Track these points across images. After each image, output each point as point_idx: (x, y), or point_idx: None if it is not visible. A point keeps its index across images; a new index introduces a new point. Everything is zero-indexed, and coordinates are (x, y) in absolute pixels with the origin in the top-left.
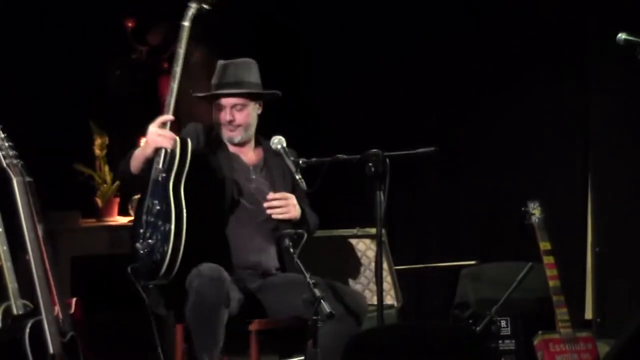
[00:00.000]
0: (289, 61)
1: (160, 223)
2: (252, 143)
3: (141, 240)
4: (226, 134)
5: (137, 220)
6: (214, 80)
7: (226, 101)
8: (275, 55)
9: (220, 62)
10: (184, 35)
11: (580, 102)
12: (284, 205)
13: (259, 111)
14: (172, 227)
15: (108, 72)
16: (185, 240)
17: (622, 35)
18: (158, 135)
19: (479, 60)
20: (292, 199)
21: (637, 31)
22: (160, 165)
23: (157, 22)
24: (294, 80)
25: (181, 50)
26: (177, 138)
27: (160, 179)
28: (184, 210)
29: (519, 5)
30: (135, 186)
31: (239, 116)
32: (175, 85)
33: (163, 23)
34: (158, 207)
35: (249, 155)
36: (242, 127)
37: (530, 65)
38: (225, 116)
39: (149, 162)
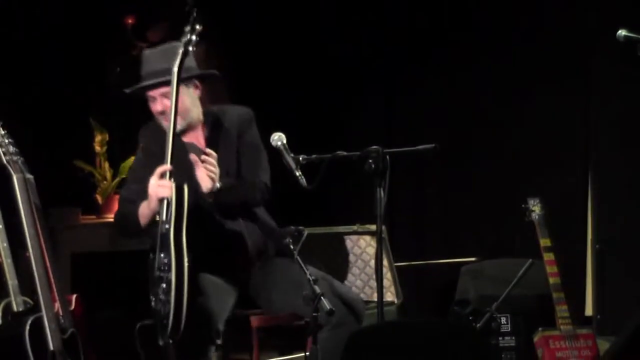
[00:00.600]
0: (288, 59)
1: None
2: (201, 125)
3: (155, 298)
4: (164, 124)
5: (151, 279)
6: (140, 72)
7: (154, 92)
8: (275, 54)
9: (145, 52)
10: (174, 82)
11: (580, 99)
12: (211, 165)
13: (197, 93)
14: (173, 278)
15: (108, 69)
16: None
17: (622, 32)
18: (158, 187)
19: (480, 58)
20: (218, 168)
21: (637, 28)
22: (164, 217)
23: (157, 19)
24: (294, 78)
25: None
26: (172, 185)
27: (164, 231)
28: (185, 260)
29: (520, 4)
30: (137, 235)
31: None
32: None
33: (163, 20)
34: (165, 261)
35: (201, 139)
36: (179, 114)
37: (530, 63)
38: (156, 107)
39: (155, 214)
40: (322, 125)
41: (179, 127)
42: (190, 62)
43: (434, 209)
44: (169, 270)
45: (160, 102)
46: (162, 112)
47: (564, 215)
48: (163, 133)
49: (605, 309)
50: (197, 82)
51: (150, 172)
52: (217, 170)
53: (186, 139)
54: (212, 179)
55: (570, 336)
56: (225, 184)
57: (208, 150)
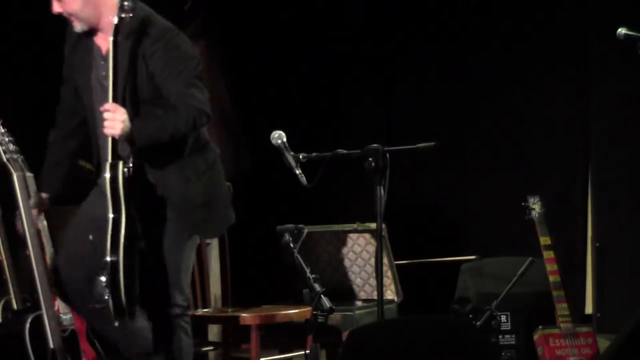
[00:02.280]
0: (289, 58)
1: None
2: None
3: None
4: (76, 27)
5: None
6: None
7: None
8: (275, 52)
9: None
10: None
11: (581, 97)
12: (109, 119)
13: None
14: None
15: None
16: None
17: (622, 30)
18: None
19: (480, 56)
20: (119, 114)
21: (637, 26)
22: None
23: None
24: (294, 76)
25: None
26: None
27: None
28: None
29: (520, 3)
30: None
31: (62, 6)
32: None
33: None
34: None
35: (105, 43)
36: (73, 16)
37: (531, 61)
38: (53, 8)
39: None
40: (322, 124)
41: (78, 27)
42: None
43: (433, 207)
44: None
45: (55, 3)
46: (61, 14)
47: (564, 214)
48: (79, 40)
49: (605, 307)
50: None
51: (71, 89)
52: (109, 122)
53: (97, 40)
54: (111, 131)
55: (570, 334)
56: (137, 123)
57: (107, 106)
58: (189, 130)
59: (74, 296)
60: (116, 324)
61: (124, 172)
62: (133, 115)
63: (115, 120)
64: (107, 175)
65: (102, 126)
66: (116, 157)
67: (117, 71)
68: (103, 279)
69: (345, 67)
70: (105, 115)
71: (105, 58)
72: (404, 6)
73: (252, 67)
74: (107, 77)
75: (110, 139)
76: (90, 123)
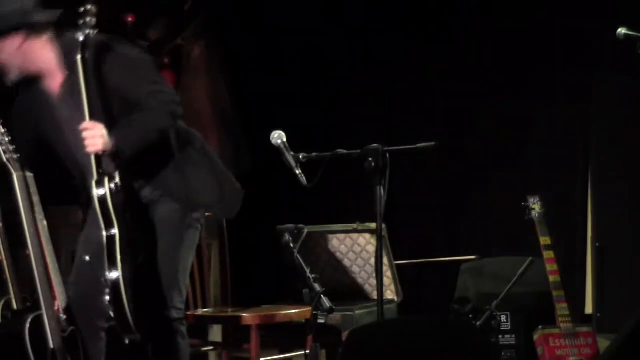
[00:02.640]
0: (289, 58)
1: None
2: (55, 70)
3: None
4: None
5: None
6: None
7: None
8: (275, 52)
9: None
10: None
11: (581, 97)
12: (89, 137)
13: (30, 41)
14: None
15: None
16: None
17: (622, 30)
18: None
19: (480, 56)
20: (98, 129)
21: (637, 26)
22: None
23: (156, 17)
24: (294, 76)
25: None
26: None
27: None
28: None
29: (520, 4)
30: None
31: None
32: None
33: (163, 18)
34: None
35: (54, 84)
36: (7, 67)
37: (531, 61)
38: None
39: None
40: (322, 124)
41: (11, 79)
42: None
43: (434, 207)
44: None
45: None
46: None
47: (564, 214)
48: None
49: (605, 307)
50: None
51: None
52: (89, 140)
53: (48, 86)
54: (93, 149)
55: (570, 334)
56: (117, 133)
57: (84, 125)
58: (169, 124)
59: (89, 329)
60: (126, 341)
61: (111, 189)
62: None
63: (95, 137)
64: (94, 192)
65: (83, 147)
66: (101, 173)
67: (89, 88)
68: (107, 297)
69: (345, 67)
70: (85, 134)
71: (63, 99)
72: (404, 6)
73: (252, 67)
74: (70, 117)
75: (93, 157)
76: (69, 155)
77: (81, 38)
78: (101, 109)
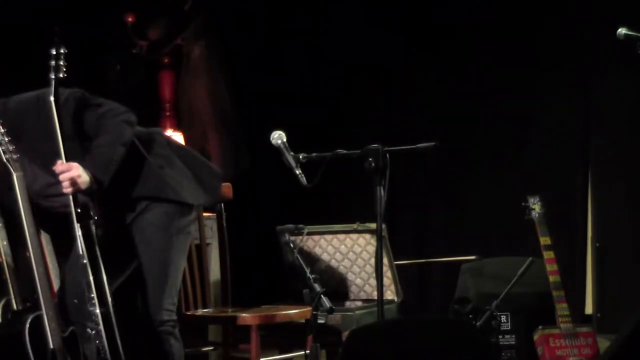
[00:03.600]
0: (289, 57)
1: None
2: None
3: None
4: None
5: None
6: None
7: None
8: (275, 52)
9: None
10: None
11: (581, 97)
12: (66, 179)
13: None
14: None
15: (108, 67)
16: None
17: (622, 30)
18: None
19: (480, 57)
20: (75, 170)
21: (637, 26)
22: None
23: (157, 16)
24: (294, 76)
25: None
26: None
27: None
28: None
29: (520, 3)
30: None
31: None
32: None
33: (163, 18)
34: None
35: None
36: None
37: (531, 61)
38: None
39: None
40: (322, 124)
41: None
42: None
43: (434, 207)
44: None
45: None
46: None
47: (564, 214)
48: None
49: (605, 307)
50: None
51: None
52: (73, 176)
53: None
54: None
55: (570, 334)
56: (90, 167)
57: (60, 167)
58: (129, 133)
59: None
60: None
61: (97, 234)
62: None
63: (72, 177)
64: (79, 234)
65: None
66: (79, 213)
67: (62, 129)
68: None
69: (345, 68)
70: (61, 177)
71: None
72: (404, 6)
73: (252, 67)
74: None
75: (70, 198)
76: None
77: (53, 77)
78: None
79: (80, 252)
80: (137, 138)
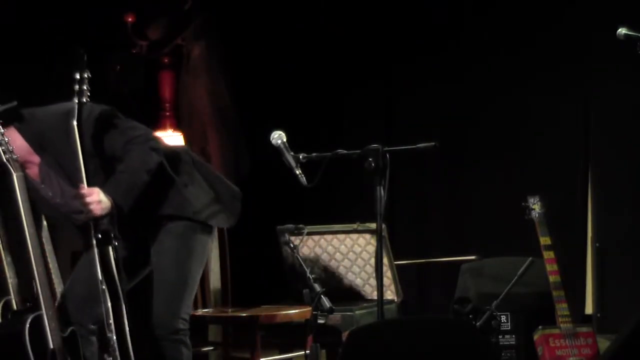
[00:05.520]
0: (289, 57)
1: None
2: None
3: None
4: None
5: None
6: None
7: None
8: (275, 52)
9: None
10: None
11: (580, 97)
12: (87, 204)
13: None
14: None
15: (108, 67)
16: None
17: (622, 30)
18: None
19: (480, 56)
20: (95, 195)
21: (637, 26)
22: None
23: (157, 16)
24: (294, 76)
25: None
26: None
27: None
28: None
29: (520, 3)
30: None
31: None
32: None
33: (163, 18)
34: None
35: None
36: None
37: (531, 61)
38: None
39: None
40: (322, 124)
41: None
42: None
43: (434, 207)
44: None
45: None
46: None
47: (564, 214)
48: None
49: (605, 307)
50: None
51: None
52: (94, 201)
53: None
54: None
55: (570, 334)
56: (111, 192)
57: (82, 191)
58: (154, 160)
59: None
60: None
61: (115, 258)
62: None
63: (93, 202)
64: (97, 258)
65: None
66: (104, 241)
67: (85, 154)
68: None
69: (345, 68)
70: (83, 201)
71: (43, 180)
72: (404, 6)
73: (252, 67)
74: (53, 196)
75: (91, 222)
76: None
77: (76, 102)
78: (99, 171)
79: (100, 278)
80: (164, 156)
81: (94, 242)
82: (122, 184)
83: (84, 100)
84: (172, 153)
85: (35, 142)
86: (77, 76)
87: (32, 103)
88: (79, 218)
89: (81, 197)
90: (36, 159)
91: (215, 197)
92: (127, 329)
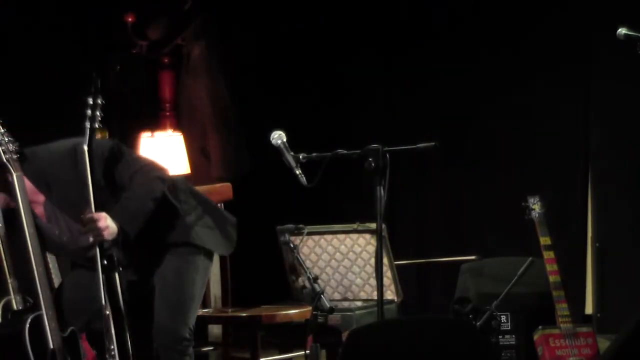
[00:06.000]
0: (288, 58)
1: None
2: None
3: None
4: None
5: None
6: None
7: None
8: (275, 52)
9: None
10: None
11: (580, 97)
12: (95, 229)
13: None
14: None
15: (108, 67)
16: None
17: (622, 30)
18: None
19: (480, 56)
20: (103, 220)
21: (637, 26)
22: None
23: (157, 16)
24: (294, 77)
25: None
26: None
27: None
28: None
29: (520, 2)
30: None
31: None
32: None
33: (163, 18)
34: None
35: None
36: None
37: (531, 61)
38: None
39: None
40: (322, 124)
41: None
42: None
43: (434, 207)
44: None
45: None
46: None
47: (564, 214)
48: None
49: (605, 307)
50: None
51: None
52: (102, 226)
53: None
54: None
55: (570, 334)
56: (118, 218)
57: (90, 216)
58: (160, 189)
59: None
60: None
61: (122, 284)
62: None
63: (100, 228)
64: (103, 283)
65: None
66: (109, 267)
67: (94, 181)
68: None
69: (345, 67)
70: (90, 225)
71: (49, 219)
72: (404, 6)
73: (252, 67)
74: (59, 235)
75: (97, 247)
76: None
77: (88, 128)
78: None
79: (103, 302)
80: (172, 194)
81: (99, 268)
82: (129, 209)
83: (96, 125)
84: (171, 182)
85: (40, 180)
86: (90, 101)
87: (42, 129)
88: (86, 255)
89: (89, 221)
90: (41, 198)
91: (213, 225)
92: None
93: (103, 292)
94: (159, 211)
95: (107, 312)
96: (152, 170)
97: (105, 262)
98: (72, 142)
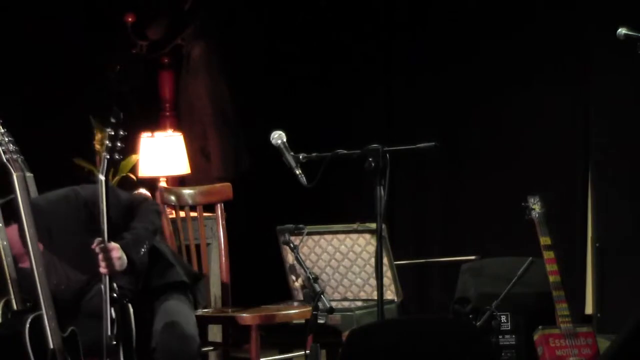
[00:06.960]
0: (289, 58)
1: None
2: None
3: None
4: None
5: None
6: None
7: None
8: (275, 52)
9: None
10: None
11: (580, 97)
12: (107, 259)
13: None
14: None
15: (108, 67)
16: None
17: (622, 30)
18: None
19: (480, 55)
20: (115, 251)
21: (637, 26)
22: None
23: (157, 16)
24: (294, 76)
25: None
26: None
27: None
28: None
29: (522, 3)
30: None
31: None
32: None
33: (163, 18)
34: None
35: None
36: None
37: (531, 61)
38: None
39: None
40: (322, 124)
41: None
42: None
43: (434, 207)
44: None
45: None
46: None
47: (564, 214)
48: None
49: (605, 307)
50: None
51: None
52: (114, 257)
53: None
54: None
55: (570, 334)
56: (128, 249)
57: (104, 246)
58: (160, 222)
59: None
60: None
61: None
62: None
63: (112, 258)
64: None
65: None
66: (113, 297)
67: (109, 210)
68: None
69: (345, 67)
70: (103, 256)
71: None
72: (404, 6)
73: (252, 67)
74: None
75: (107, 277)
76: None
77: (107, 157)
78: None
79: (109, 334)
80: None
81: (108, 299)
82: (132, 237)
83: (116, 157)
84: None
85: (41, 228)
86: (111, 132)
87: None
88: (89, 305)
89: (103, 251)
90: (39, 247)
91: (187, 272)
92: None
93: (110, 325)
94: (150, 256)
95: (114, 343)
96: (153, 205)
97: (115, 295)
98: (67, 190)
